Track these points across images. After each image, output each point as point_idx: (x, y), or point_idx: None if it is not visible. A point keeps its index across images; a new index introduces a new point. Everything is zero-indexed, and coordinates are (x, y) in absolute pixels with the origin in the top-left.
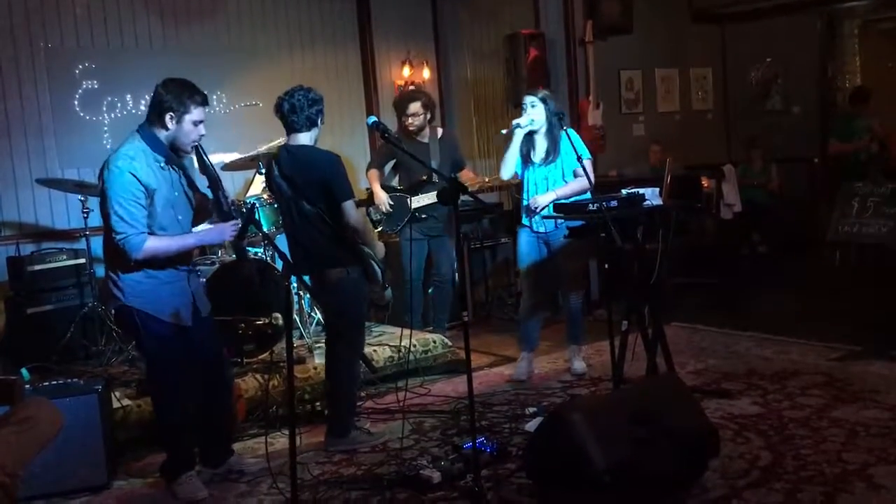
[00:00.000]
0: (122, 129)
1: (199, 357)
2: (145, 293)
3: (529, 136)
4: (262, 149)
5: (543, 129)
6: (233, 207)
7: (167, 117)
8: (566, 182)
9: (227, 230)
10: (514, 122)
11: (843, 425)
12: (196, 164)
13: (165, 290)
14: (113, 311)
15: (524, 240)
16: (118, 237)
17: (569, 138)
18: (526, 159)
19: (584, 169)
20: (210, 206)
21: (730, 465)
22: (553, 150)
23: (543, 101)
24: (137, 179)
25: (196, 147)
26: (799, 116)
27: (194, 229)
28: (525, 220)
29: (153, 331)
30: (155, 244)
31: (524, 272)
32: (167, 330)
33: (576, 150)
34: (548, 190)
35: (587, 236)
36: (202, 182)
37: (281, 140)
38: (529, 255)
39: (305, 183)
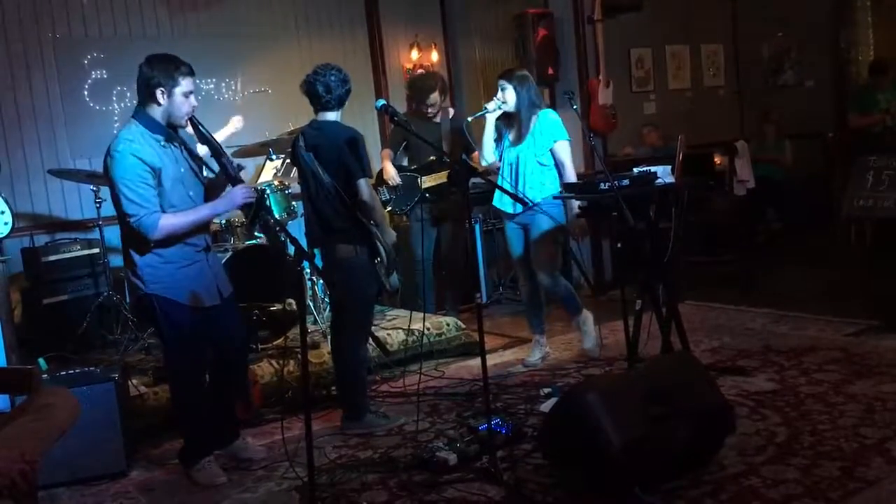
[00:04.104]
0: None
1: (219, 339)
2: (165, 279)
3: (509, 118)
4: (274, 136)
5: (520, 112)
6: (241, 172)
7: (158, 93)
8: (540, 164)
9: (238, 195)
10: (484, 105)
11: (860, 400)
12: (195, 138)
13: (184, 274)
14: (134, 301)
15: (508, 227)
16: (132, 219)
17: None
18: (499, 141)
19: (557, 153)
20: (217, 175)
21: (746, 441)
22: (524, 132)
23: (515, 82)
24: (141, 160)
25: (191, 118)
26: (812, 90)
27: None
28: (498, 206)
29: (174, 317)
30: (170, 221)
31: (514, 259)
32: (188, 315)
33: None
34: (517, 170)
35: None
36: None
37: (291, 126)
38: (515, 242)
39: (326, 154)
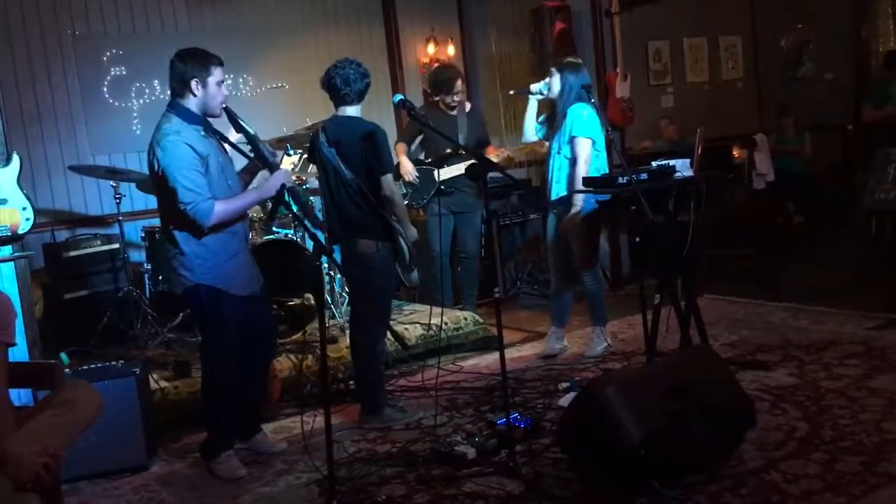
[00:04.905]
0: (152, 115)
1: (253, 329)
2: (214, 269)
3: (553, 108)
4: (291, 131)
5: (557, 103)
6: (276, 159)
7: (193, 84)
8: (566, 157)
9: (281, 177)
10: (531, 86)
11: (881, 395)
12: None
13: (232, 264)
14: (180, 293)
15: (549, 217)
16: (187, 206)
17: (597, 111)
18: (549, 129)
19: (573, 148)
20: (252, 161)
21: (766, 436)
22: (558, 125)
23: (563, 71)
24: (192, 148)
25: (225, 108)
26: (832, 82)
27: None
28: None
29: (221, 308)
30: (222, 207)
31: (548, 249)
32: (234, 305)
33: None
34: (550, 163)
35: (617, 209)
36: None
37: (308, 122)
38: (551, 232)
39: (348, 149)
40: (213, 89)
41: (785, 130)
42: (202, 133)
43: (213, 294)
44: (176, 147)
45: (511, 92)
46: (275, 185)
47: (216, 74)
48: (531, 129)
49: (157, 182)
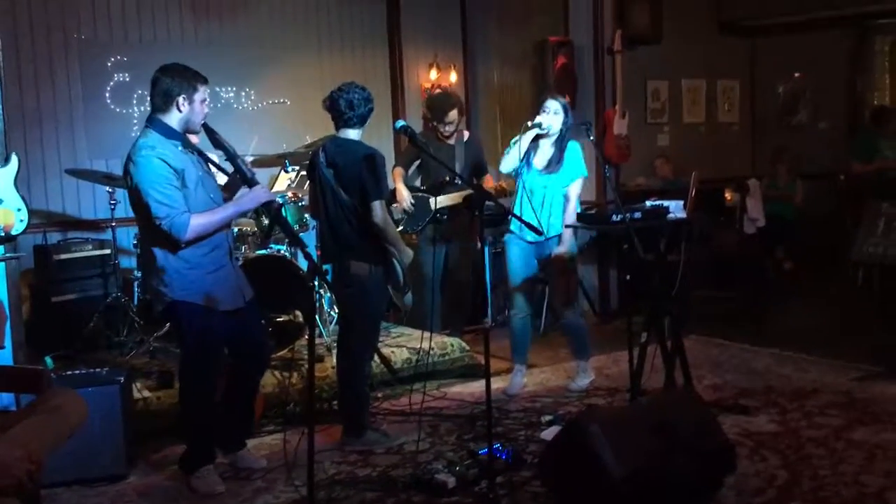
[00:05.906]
0: None
1: (240, 342)
2: (192, 284)
3: (535, 140)
4: (290, 148)
5: (554, 137)
6: (255, 176)
7: (180, 100)
8: (562, 193)
9: (260, 192)
10: (537, 119)
11: (861, 447)
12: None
13: (212, 279)
14: (161, 310)
15: (515, 250)
16: (163, 221)
17: (596, 149)
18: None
19: (572, 186)
20: (231, 177)
21: (745, 482)
22: (557, 160)
23: (565, 108)
24: (166, 163)
25: (204, 125)
26: (826, 132)
27: None
28: (515, 229)
29: (198, 324)
30: (199, 220)
31: (514, 284)
32: (213, 321)
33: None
34: (544, 198)
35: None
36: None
37: (308, 140)
38: (520, 267)
39: (346, 172)
40: (197, 106)
41: (777, 176)
42: (180, 148)
43: (191, 310)
44: (148, 162)
45: (529, 123)
46: (255, 198)
47: (201, 91)
48: (515, 159)
49: (132, 197)
